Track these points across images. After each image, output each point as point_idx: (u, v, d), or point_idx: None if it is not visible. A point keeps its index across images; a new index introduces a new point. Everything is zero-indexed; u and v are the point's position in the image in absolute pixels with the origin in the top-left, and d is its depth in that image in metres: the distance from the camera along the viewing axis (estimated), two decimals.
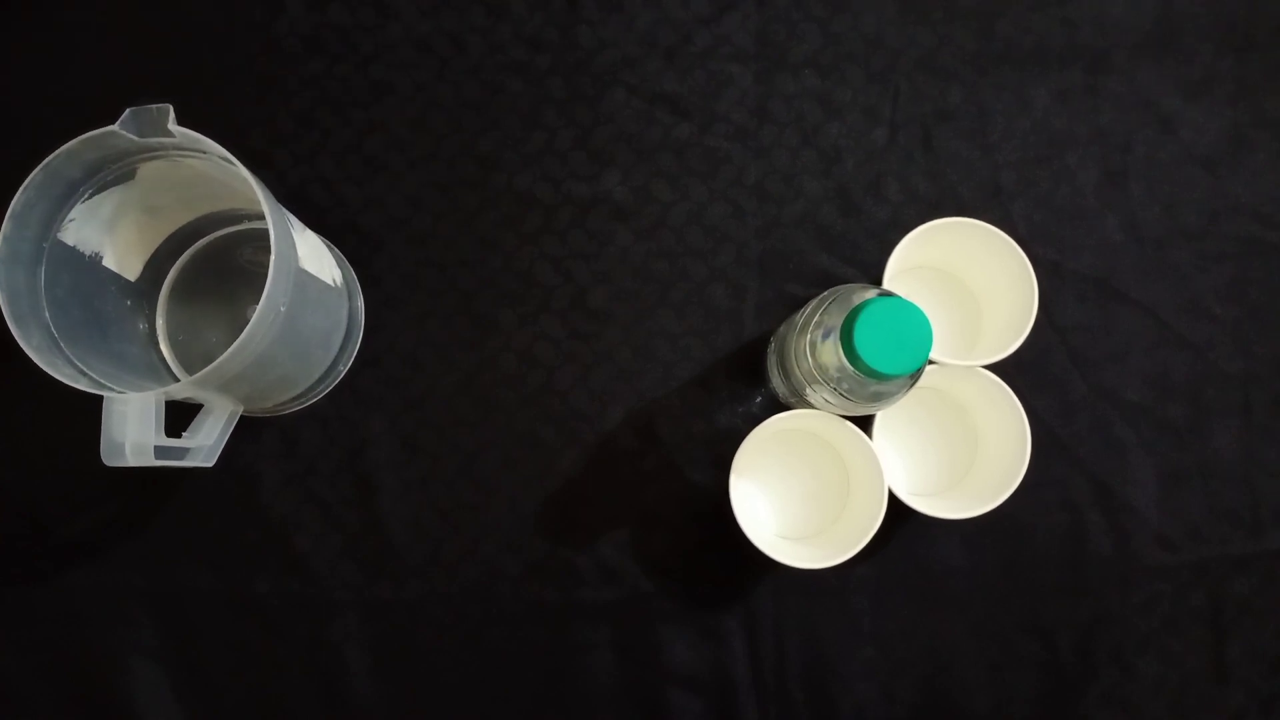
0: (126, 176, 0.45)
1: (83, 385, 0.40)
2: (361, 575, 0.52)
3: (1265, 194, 0.56)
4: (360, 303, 0.54)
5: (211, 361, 0.39)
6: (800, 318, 0.45)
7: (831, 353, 0.40)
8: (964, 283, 0.55)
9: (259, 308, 0.39)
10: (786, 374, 0.48)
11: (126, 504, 0.52)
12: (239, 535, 0.52)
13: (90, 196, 0.44)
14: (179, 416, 0.43)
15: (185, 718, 0.52)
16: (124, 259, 0.49)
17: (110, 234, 0.47)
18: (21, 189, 0.41)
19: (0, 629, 0.52)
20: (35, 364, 0.39)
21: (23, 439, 0.52)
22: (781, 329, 0.50)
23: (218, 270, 0.53)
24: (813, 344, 0.42)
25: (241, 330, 0.39)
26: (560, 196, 0.55)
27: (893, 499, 0.48)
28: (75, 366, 0.42)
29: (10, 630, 0.52)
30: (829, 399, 0.44)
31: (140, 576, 0.52)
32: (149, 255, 0.51)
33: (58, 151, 0.41)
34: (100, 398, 0.39)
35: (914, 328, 0.38)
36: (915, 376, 0.41)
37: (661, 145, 0.55)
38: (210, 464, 0.45)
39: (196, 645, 0.52)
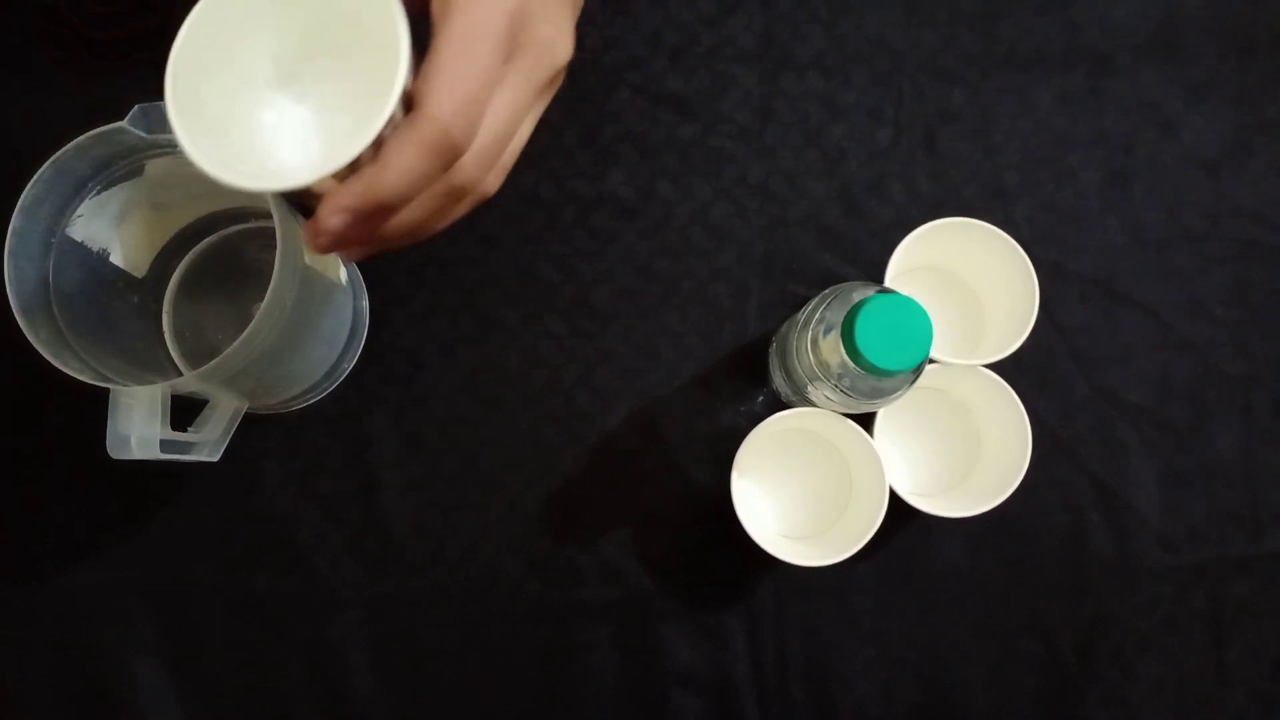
0: (134, 173, 0.45)
1: (89, 378, 0.40)
2: (363, 573, 0.52)
3: (1267, 197, 0.56)
4: (365, 302, 0.54)
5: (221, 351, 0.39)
6: (802, 315, 0.45)
7: (833, 349, 0.41)
8: (966, 283, 0.55)
9: (265, 302, 0.39)
10: (788, 372, 0.48)
11: (127, 501, 0.52)
12: (241, 532, 0.52)
13: (98, 192, 0.44)
14: (184, 414, 0.43)
15: (186, 715, 0.52)
16: (131, 255, 0.49)
17: (118, 230, 0.47)
18: (30, 183, 0.41)
19: (0, 627, 0.52)
20: (40, 359, 0.40)
21: (23, 435, 0.52)
22: (783, 328, 0.50)
23: (224, 268, 0.53)
24: (814, 340, 0.43)
25: (247, 327, 0.39)
26: (564, 195, 0.55)
27: (894, 498, 0.48)
28: (82, 360, 0.42)
29: (10, 628, 0.52)
30: (830, 396, 0.44)
31: (141, 573, 0.52)
32: (156, 252, 0.51)
33: (66, 147, 0.41)
34: (104, 393, 0.39)
35: (915, 324, 0.39)
36: (916, 373, 0.41)
37: (666, 144, 0.56)
38: (215, 459, 0.45)
39: (197, 642, 0.52)
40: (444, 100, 0.28)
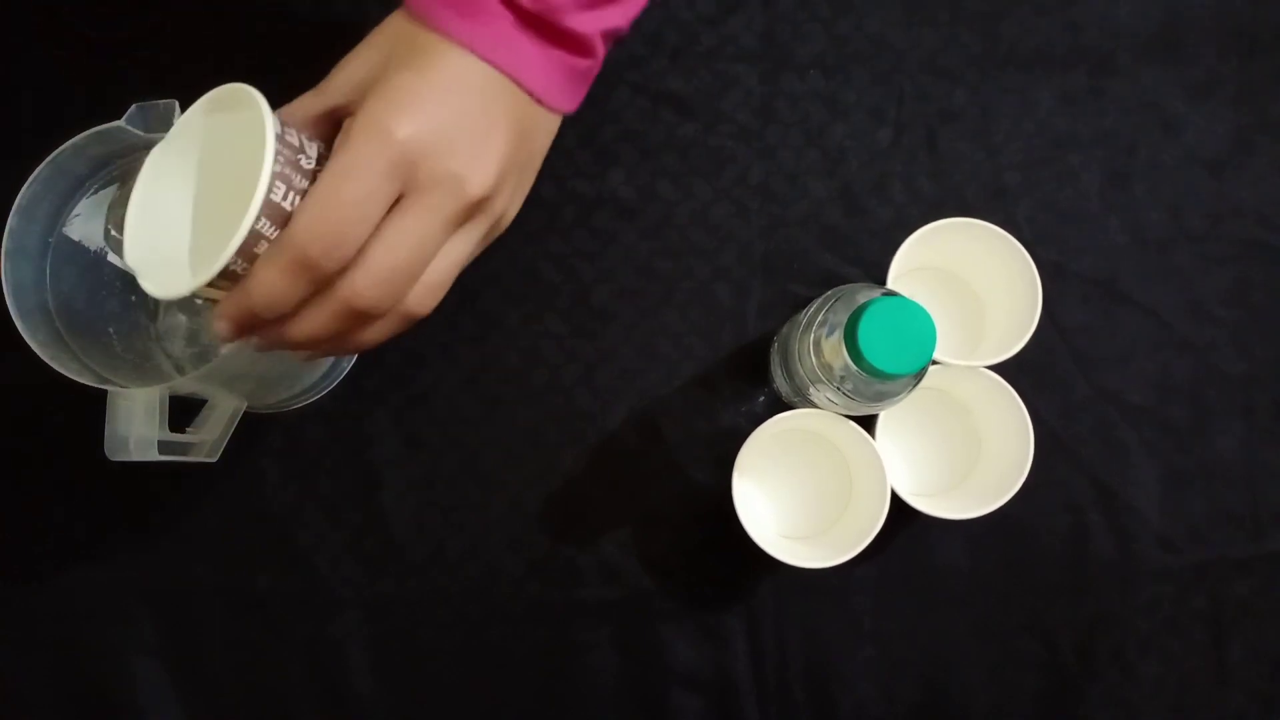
0: (132, 172, 0.45)
1: (87, 380, 0.40)
2: (363, 573, 0.52)
3: (1268, 197, 0.56)
4: None
5: (216, 357, 0.39)
6: (804, 317, 0.45)
7: (835, 352, 0.41)
8: (967, 283, 0.55)
9: None
10: (790, 373, 0.48)
11: (128, 501, 0.52)
12: (240, 532, 0.52)
13: (96, 191, 0.44)
14: (183, 413, 0.43)
15: (186, 714, 0.51)
16: None
17: None
18: (28, 183, 0.41)
19: (1, 627, 0.52)
20: (38, 359, 0.40)
21: (23, 435, 0.52)
22: (785, 328, 0.50)
23: None
24: (816, 343, 0.42)
25: None
26: (564, 195, 0.55)
27: (895, 499, 0.48)
28: (80, 361, 0.42)
29: (10, 628, 0.52)
30: (832, 399, 0.44)
31: (141, 573, 0.52)
32: None
33: (64, 146, 0.41)
34: (103, 393, 0.39)
35: (918, 327, 0.39)
36: (919, 376, 0.41)
37: (666, 144, 0.55)
38: (214, 459, 0.45)
39: (197, 642, 0.52)
40: (301, 223, 0.31)
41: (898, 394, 0.42)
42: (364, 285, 0.32)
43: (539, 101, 0.36)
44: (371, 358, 0.54)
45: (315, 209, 0.31)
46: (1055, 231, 0.56)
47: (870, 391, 0.42)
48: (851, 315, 0.39)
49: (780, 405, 0.53)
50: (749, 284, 0.55)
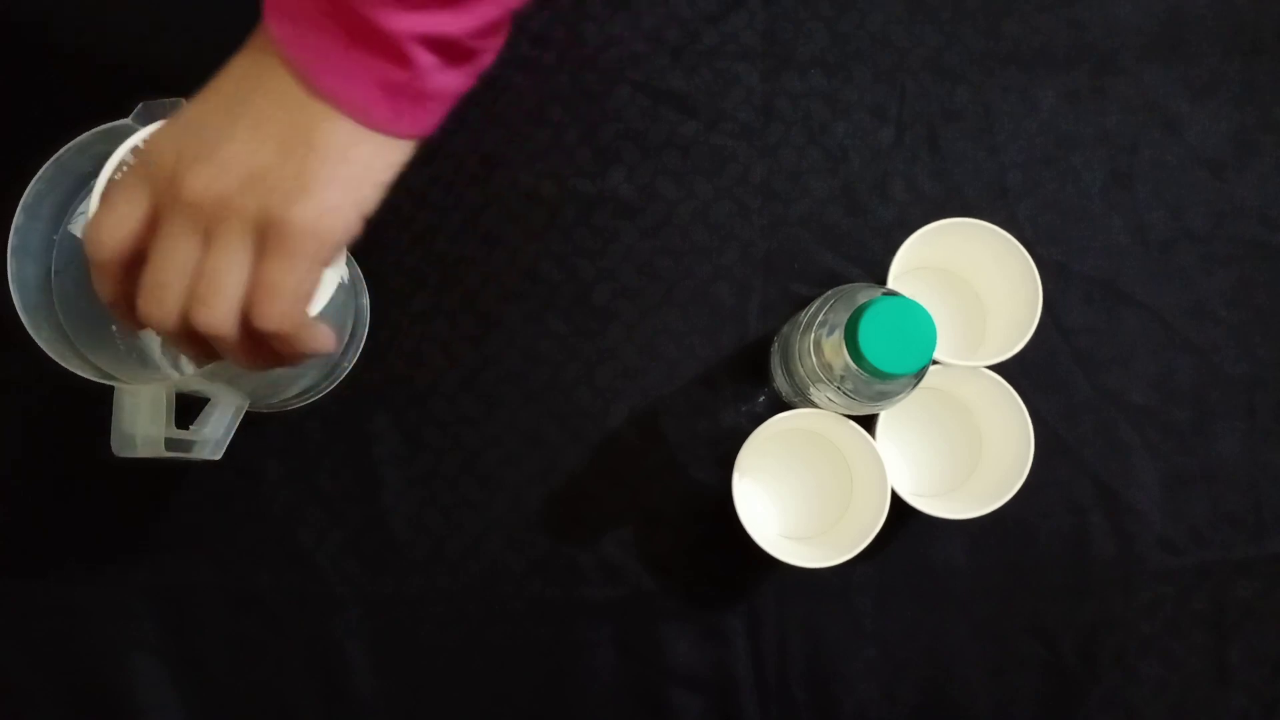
0: None
1: (90, 376, 0.40)
2: (364, 571, 0.52)
3: (1271, 197, 0.56)
4: (366, 300, 0.54)
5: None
6: (805, 316, 0.45)
7: (836, 352, 0.41)
8: (969, 283, 0.55)
9: None
10: (790, 373, 0.48)
11: (128, 501, 0.52)
12: (241, 530, 0.52)
13: None
14: (184, 412, 0.43)
15: (186, 712, 0.52)
16: None
17: None
18: (33, 181, 0.41)
19: (1, 624, 0.52)
20: (41, 357, 0.40)
21: (24, 433, 0.52)
22: (786, 328, 0.50)
23: None
24: (817, 343, 0.42)
25: None
26: (565, 193, 0.55)
27: (895, 499, 0.48)
28: (83, 358, 0.42)
29: (11, 625, 0.52)
30: (833, 398, 0.44)
31: (142, 571, 0.52)
32: None
33: (70, 144, 0.41)
34: (105, 392, 0.39)
35: (918, 327, 0.39)
36: (919, 376, 0.41)
37: (667, 143, 0.55)
38: (217, 457, 0.45)
39: (198, 640, 0.52)
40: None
41: (898, 394, 0.42)
42: (140, 301, 0.33)
43: (341, 111, 0.31)
44: (372, 357, 0.54)
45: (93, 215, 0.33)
46: (1057, 231, 0.56)
47: (870, 391, 0.42)
48: (852, 315, 0.39)
49: (781, 405, 0.53)
50: (750, 283, 0.55)
